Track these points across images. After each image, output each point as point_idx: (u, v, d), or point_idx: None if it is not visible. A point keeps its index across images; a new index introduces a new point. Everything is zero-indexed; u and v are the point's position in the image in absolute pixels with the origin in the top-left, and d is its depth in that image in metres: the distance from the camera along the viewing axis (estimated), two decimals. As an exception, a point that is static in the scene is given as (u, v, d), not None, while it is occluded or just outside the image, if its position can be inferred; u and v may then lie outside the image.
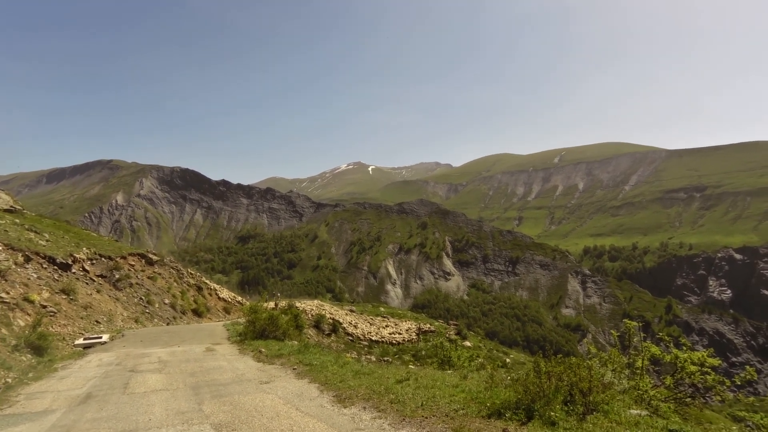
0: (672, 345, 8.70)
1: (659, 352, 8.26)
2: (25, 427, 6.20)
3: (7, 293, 15.76)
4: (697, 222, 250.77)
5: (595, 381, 5.95)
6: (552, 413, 5.55)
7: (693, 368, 7.54)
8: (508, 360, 32.10)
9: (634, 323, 8.81)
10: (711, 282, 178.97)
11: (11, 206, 31.02)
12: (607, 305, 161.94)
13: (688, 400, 7.68)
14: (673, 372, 7.98)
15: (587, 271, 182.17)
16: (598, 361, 7.83)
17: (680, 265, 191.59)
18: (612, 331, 9.12)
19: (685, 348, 8.18)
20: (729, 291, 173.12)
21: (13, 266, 18.04)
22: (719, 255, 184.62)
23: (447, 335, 34.99)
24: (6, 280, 16.68)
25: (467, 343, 33.79)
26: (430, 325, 39.80)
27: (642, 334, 8.92)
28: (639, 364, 8.10)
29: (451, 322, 51.94)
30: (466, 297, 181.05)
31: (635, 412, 6.02)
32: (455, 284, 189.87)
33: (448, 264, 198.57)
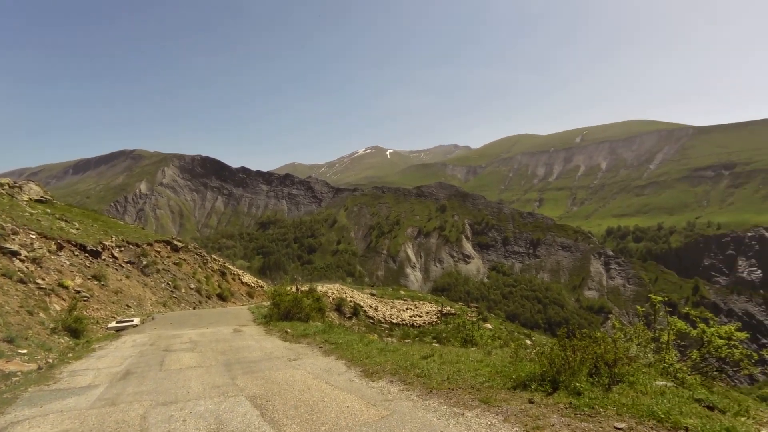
0: (699, 321, 8.66)
1: (685, 327, 8.25)
2: (73, 400, 6.55)
3: (43, 279, 16.38)
4: (725, 200, 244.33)
5: (621, 353, 6.02)
6: (578, 384, 5.63)
7: (720, 342, 7.53)
8: (529, 342, 32.25)
9: (660, 297, 8.80)
10: (740, 262, 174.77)
11: (42, 196, 31.95)
12: (631, 287, 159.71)
13: (715, 374, 7.68)
14: (699, 346, 7.98)
15: (610, 252, 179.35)
16: (623, 336, 7.86)
17: (708, 245, 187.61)
18: (637, 306, 9.08)
19: (712, 323, 8.15)
20: (759, 271, 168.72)
21: (47, 254, 18.70)
22: (749, 234, 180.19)
23: (468, 318, 35.15)
24: (41, 267, 17.31)
25: (488, 326, 33.92)
26: (451, 307, 40.03)
27: (668, 309, 8.88)
28: (665, 338, 8.11)
29: (472, 304, 52.08)
30: (486, 280, 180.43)
31: (661, 383, 6.07)
32: (475, 267, 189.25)
33: (467, 247, 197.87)
